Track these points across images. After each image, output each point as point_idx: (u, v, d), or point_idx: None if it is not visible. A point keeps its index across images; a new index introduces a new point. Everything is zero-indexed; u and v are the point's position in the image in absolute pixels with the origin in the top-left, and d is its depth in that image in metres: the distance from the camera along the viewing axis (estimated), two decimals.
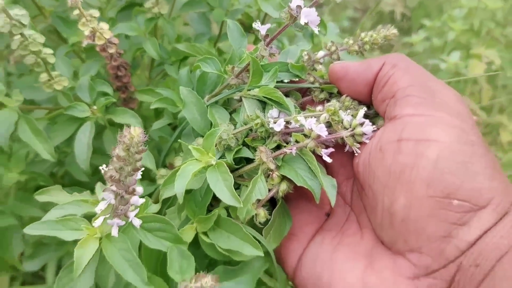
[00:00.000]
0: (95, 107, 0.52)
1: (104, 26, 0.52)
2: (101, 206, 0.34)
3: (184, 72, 0.52)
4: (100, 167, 0.35)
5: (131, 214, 0.37)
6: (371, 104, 0.43)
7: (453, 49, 1.75)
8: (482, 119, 1.62)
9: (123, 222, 0.36)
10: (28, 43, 0.45)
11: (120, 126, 0.58)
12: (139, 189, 0.34)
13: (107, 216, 0.36)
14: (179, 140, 0.47)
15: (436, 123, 0.36)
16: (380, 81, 0.41)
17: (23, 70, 0.58)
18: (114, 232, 0.36)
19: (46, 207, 0.53)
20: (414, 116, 0.37)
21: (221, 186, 0.37)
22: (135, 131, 0.30)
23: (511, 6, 1.79)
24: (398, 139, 0.36)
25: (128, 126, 0.32)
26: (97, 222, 0.36)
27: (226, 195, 0.37)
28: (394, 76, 0.40)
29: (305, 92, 0.48)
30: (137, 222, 0.37)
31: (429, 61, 1.76)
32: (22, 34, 0.43)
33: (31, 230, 0.38)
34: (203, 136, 0.48)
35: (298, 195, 0.44)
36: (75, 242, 0.63)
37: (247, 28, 0.67)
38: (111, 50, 0.55)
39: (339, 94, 0.45)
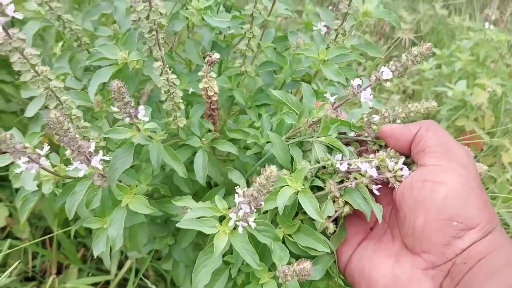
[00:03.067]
0: (203, 139, 0.73)
1: (214, 82, 0.73)
2: (240, 213, 0.54)
3: (265, 117, 0.74)
4: (236, 188, 0.56)
5: (250, 219, 0.57)
6: (409, 155, 0.60)
7: (460, 77, 1.92)
8: (484, 141, 1.78)
9: (246, 224, 0.57)
10: (173, 96, 0.66)
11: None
12: (263, 203, 0.55)
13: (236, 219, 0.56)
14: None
15: (449, 171, 0.52)
16: (417, 139, 0.57)
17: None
18: (240, 230, 0.56)
19: (163, 209, 0.74)
20: (435, 166, 0.53)
21: (309, 206, 0.58)
22: (272, 168, 0.50)
23: None
24: (423, 180, 0.52)
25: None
26: (231, 223, 0.56)
27: (312, 212, 0.57)
28: (426, 137, 0.56)
29: (361, 142, 0.68)
30: (253, 225, 0.57)
31: (438, 88, 1.92)
32: (174, 93, 0.64)
33: (182, 225, 0.58)
34: (283, 167, 0.69)
35: (351, 215, 0.63)
36: (174, 236, 0.82)
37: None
38: (214, 98, 0.76)
39: (386, 146, 0.63)
